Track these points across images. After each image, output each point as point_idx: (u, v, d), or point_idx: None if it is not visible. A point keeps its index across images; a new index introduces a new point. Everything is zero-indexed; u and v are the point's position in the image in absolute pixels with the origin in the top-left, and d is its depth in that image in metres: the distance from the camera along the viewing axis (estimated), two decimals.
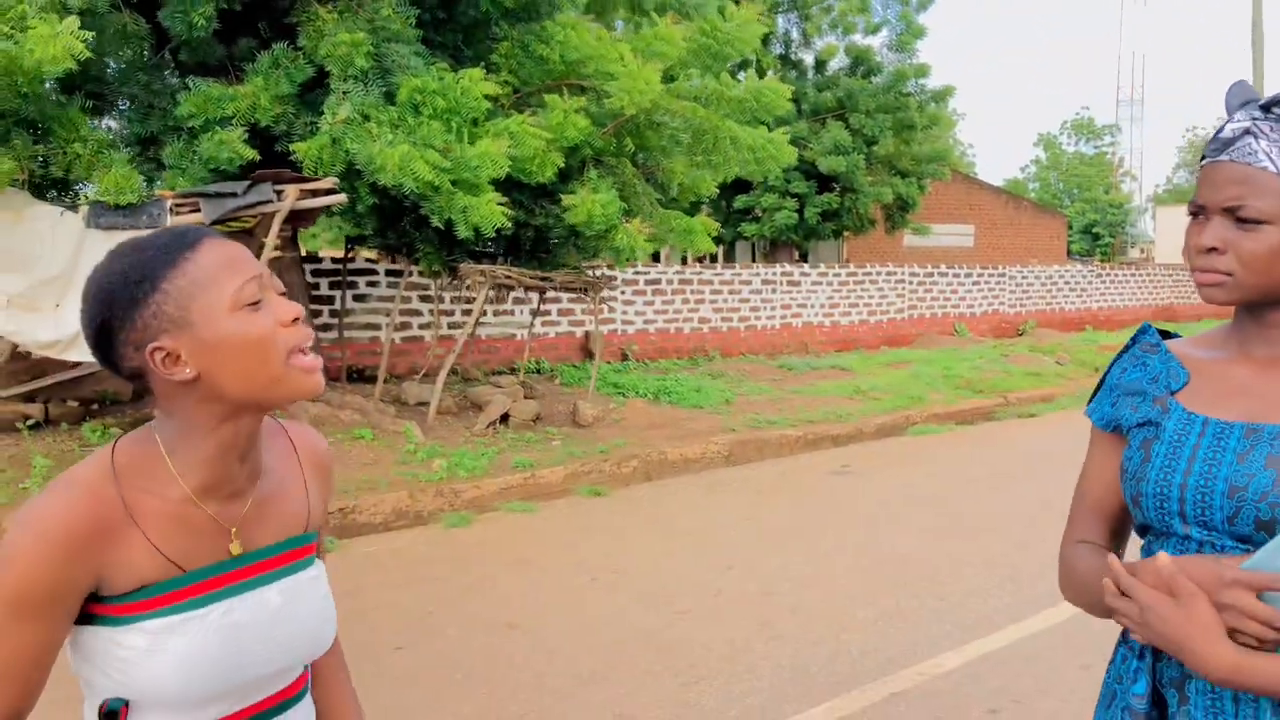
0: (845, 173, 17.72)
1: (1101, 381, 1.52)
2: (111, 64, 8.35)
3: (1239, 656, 1.13)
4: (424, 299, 11.61)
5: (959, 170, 32.68)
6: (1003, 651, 4.21)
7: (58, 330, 6.71)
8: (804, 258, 21.19)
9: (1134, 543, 1.49)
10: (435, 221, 7.73)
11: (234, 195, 6.94)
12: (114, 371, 1.16)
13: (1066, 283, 21.12)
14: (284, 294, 1.19)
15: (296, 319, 1.16)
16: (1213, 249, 1.25)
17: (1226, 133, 1.25)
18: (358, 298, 11.20)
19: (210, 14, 7.33)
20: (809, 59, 20.85)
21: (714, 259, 24.32)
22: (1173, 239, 50.39)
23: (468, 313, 11.65)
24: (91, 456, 1.16)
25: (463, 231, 7.66)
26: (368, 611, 4.89)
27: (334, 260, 11.30)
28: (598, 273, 10.24)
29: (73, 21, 5.97)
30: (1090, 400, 1.53)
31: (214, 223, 6.95)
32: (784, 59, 20.06)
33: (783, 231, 18.76)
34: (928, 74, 19.04)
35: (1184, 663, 1.17)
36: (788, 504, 7.23)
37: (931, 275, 18.24)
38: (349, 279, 10.96)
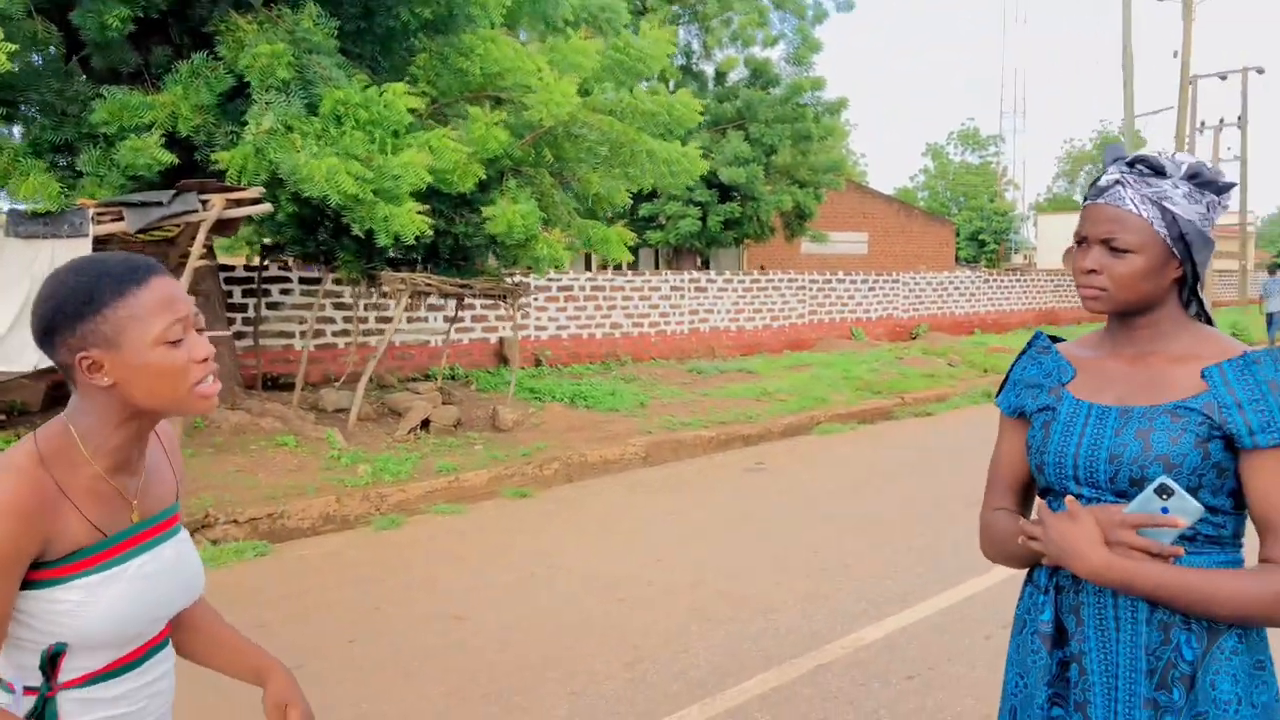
0: (745, 182, 18.28)
1: (1006, 378, 1.88)
2: (18, 69, 8.25)
3: (1110, 557, 1.51)
4: (337, 306, 11.66)
5: (853, 180, 33.76)
6: (915, 625, 4.63)
7: None
8: (705, 264, 21.70)
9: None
10: (356, 230, 7.86)
11: (159, 204, 6.97)
12: (47, 354, 1.39)
13: (956, 288, 22.11)
14: (203, 330, 1.45)
15: (206, 359, 1.41)
16: (1092, 270, 1.62)
17: (1103, 182, 1.62)
18: (271, 305, 11.19)
19: (125, 16, 7.31)
20: (710, 70, 21.42)
21: (619, 266, 24.71)
22: (1053, 245, 52.78)
23: (382, 320, 11.76)
24: (17, 445, 1.39)
25: (383, 240, 7.80)
26: (311, 612, 5.05)
27: (247, 268, 11.27)
28: (515, 280, 10.47)
29: None
30: (998, 394, 1.90)
31: (139, 231, 6.98)
32: (685, 70, 20.56)
33: (686, 239, 19.22)
34: (823, 86, 19.76)
35: (1072, 567, 1.53)
36: (707, 500, 7.59)
37: (830, 281, 18.93)
38: (262, 287, 10.95)
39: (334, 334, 11.67)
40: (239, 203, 7.31)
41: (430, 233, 7.92)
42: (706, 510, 7.22)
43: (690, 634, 4.54)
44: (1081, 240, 1.64)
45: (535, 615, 4.87)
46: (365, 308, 11.87)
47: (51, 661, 1.40)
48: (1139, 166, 1.59)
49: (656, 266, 23.64)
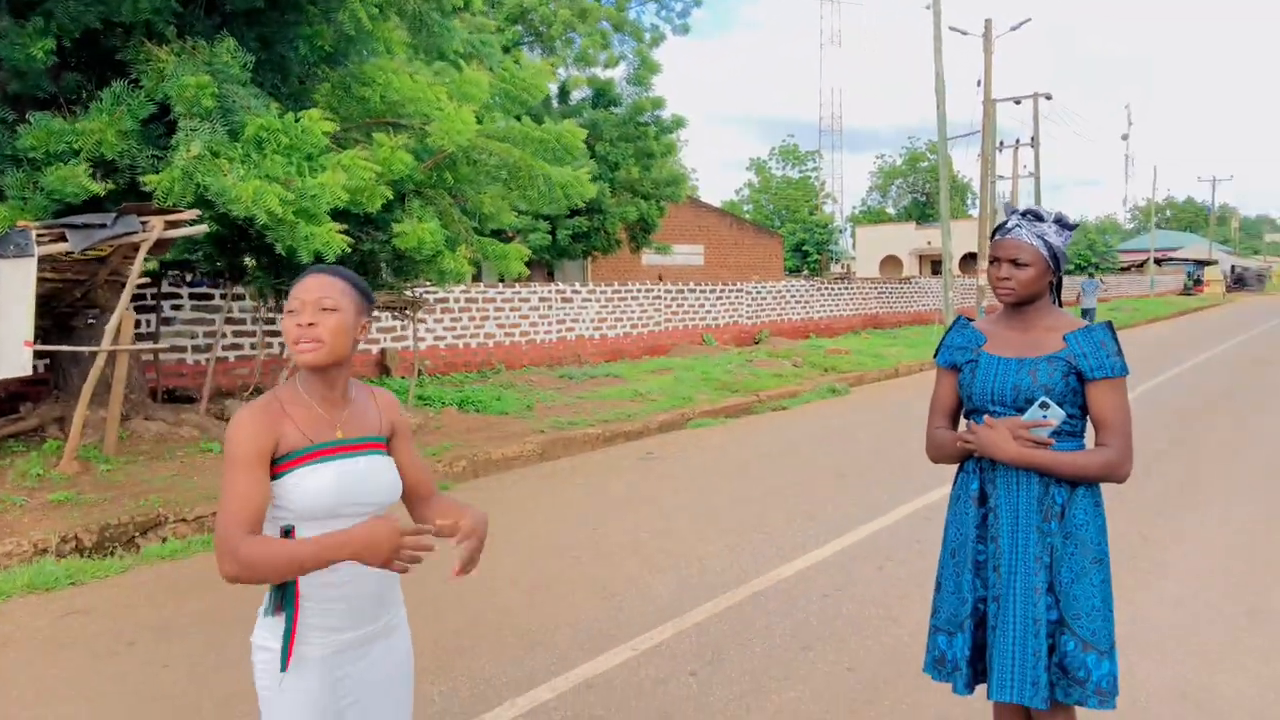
0: (593, 197, 19.26)
1: (941, 343, 2.97)
2: None
3: (1017, 448, 2.60)
4: (228, 321, 12.01)
5: (689, 194, 35.36)
6: (820, 563, 5.77)
7: None
8: (551, 276, 22.54)
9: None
10: (280, 249, 8.43)
11: (103, 226, 7.41)
12: None
13: (793, 296, 23.86)
14: (327, 309, 2.11)
15: (300, 325, 2.14)
16: (1006, 278, 2.71)
17: (1008, 225, 2.73)
18: (164, 321, 11.47)
19: (50, 47, 7.72)
20: (554, 89, 22.36)
21: (474, 279, 25.23)
22: (870, 255, 56.37)
23: (270, 334, 12.19)
24: (268, 391, 2.21)
25: (305, 257, 8.39)
26: None
27: (138, 287, 11.49)
28: (418, 293, 11.17)
29: None
30: (935, 354, 2.98)
31: (83, 251, 7.40)
32: None
33: (537, 252, 20.00)
34: (663, 106, 20.92)
35: (994, 456, 2.62)
36: (616, 482, 8.57)
37: (683, 291, 20.23)
38: (159, 304, 11.23)
39: (225, 348, 12.01)
40: (175, 224, 7.80)
41: (351, 247, 8.55)
42: (618, 490, 8.20)
43: (642, 579, 5.54)
44: (995, 260, 2.73)
45: (502, 572, 5.73)
46: (252, 321, 12.27)
47: (285, 536, 2.07)
48: (1028, 215, 2.71)
49: (500, 280, 24.41)
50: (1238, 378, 16.16)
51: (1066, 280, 41.93)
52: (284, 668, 2.06)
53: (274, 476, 2.08)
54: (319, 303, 2.11)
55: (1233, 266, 72.40)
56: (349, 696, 2.16)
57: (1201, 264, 65.94)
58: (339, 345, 2.13)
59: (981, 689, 2.78)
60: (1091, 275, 35.21)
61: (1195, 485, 7.87)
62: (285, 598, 2.09)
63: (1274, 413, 11.90)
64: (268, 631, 2.13)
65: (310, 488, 2.07)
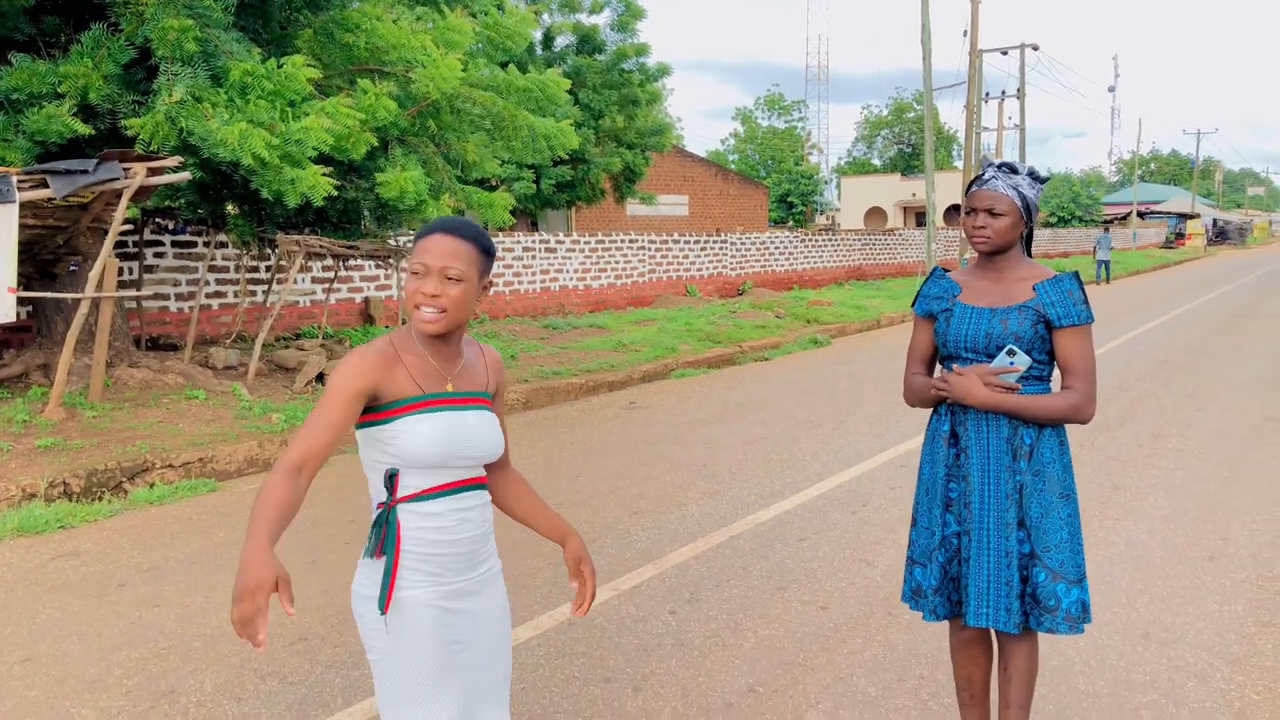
0: (578, 146, 19.07)
1: (918, 293, 3.05)
2: None
3: (987, 393, 2.70)
4: (211, 269, 11.99)
5: (674, 144, 35.18)
6: (796, 509, 5.91)
7: None
8: (534, 226, 22.41)
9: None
10: (266, 194, 8.41)
11: (84, 172, 7.37)
12: None
13: (777, 248, 23.89)
14: (452, 279, 2.11)
15: (424, 293, 2.16)
16: (982, 227, 2.78)
17: (985, 176, 2.80)
18: (146, 269, 11.43)
19: None
20: (538, 35, 22.08)
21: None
22: (855, 207, 56.31)
23: (254, 282, 12.18)
24: (384, 335, 2.25)
25: (292, 201, 8.36)
26: (302, 525, 5.83)
27: (121, 234, 11.43)
28: (403, 242, 11.17)
29: None
30: (913, 304, 3.06)
31: (65, 197, 7.37)
32: None
33: (521, 201, 19.85)
34: (647, 53, 20.56)
35: (967, 401, 2.72)
36: (599, 431, 8.68)
37: (666, 243, 20.23)
38: (141, 250, 11.20)
39: (208, 296, 12.00)
40: (158, 171, 7.77)
41: (335, 193, 8.54)
42: (600, 439, 8.31)
43: (626, 522, 5.66)
44: (971, 210, 2.81)
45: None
46: (235, 269, 12.25)
47: (389, 481, 2.12)
48: (1004, 168, 2.78)
49: (485, 228, 24.29)
50: (1212, 330, 16.36)
51: (1081, 233, 44.21)
52: (383, 609, 2.08)
53: (383, 421, 2.10)
54: (444, 271, 2.11)
55: (1215, 220, 72.73)
56: (458, 643, 2.18)
57: (1184, 217, 66.21)
58: (461, 315, 2.15)
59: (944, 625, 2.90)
60: (1107, 230, 41.50)
61: (1166, 435, 8.04)
62: (387, 541, 2.11)
63: (1246, 363, 12.09)
64: (366, 577, 2.15)
65: (419, 435, 2.08)
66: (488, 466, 2.35)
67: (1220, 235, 71.42)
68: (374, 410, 2.11)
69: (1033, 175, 2.81)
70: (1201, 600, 4.50)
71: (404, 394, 2.12)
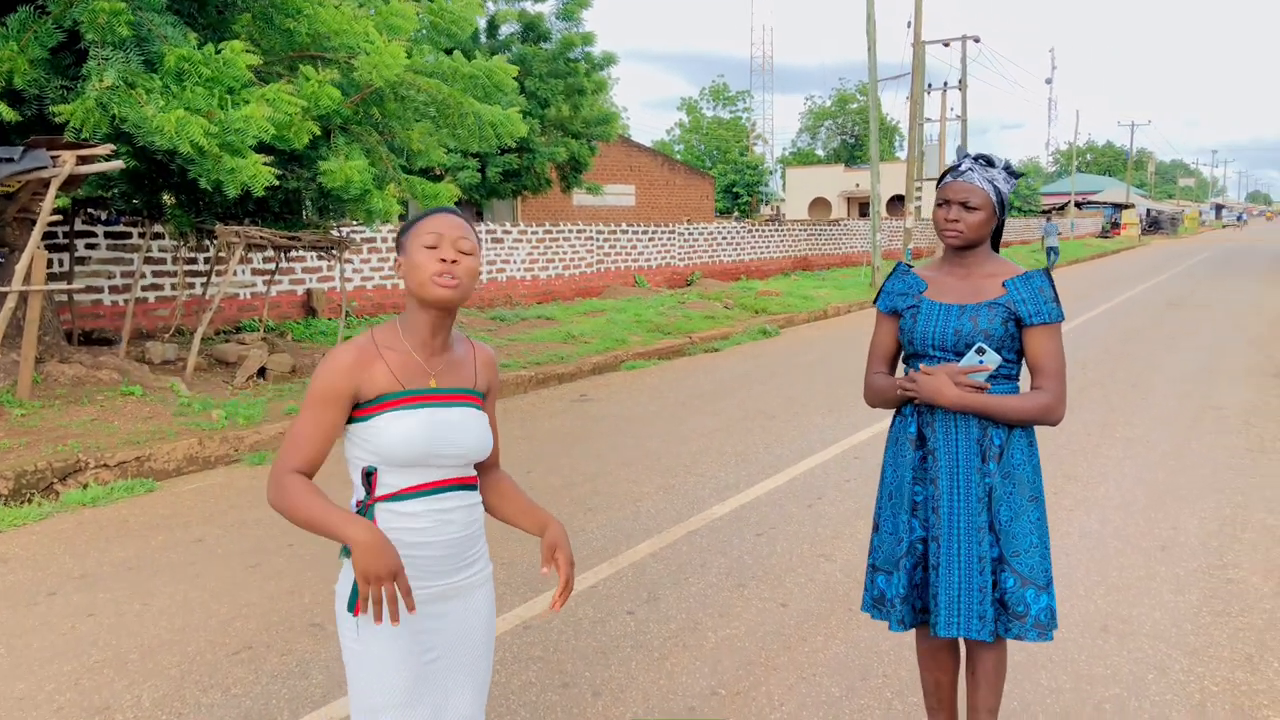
0: (523, 136, 18.85)
1: (881, 289, 2.98)
2: None
3: (957, 392, 2.63)
4: (147, 261, 11.62)
5: (620, 134, 35.00)
6: (752, 502, 5.84)
7: None
8: (480, 216, 22.13)
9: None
10: (204, 184, 8.14)
11: (9, 161, 7.07)
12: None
13: (724, 238, 23.87)
14: (464, 252, 2.15)
15: (444, 260, 2.12)
16: (955, 220, 2.71)
17: (961, 168, 2.72)
18: (78, 260, 11.05)
19: None
20: (482, 23, 21.78)
21: (401, 219, 24.72)
22: (799, 197, 56.63)
23: (191, 274, 11.84)
24: (365, 330, 2.19)
25: (232, 191, 8.10)
26: (239, 527, 5.63)
27: (50, 225, 11.03)
28: (345, 233, 10.91)
29: None
30: (876, 300, 2.99)
31: None
32: None
33: (466, 191, 19.57)
34: (593, 42, 20.41)
35: (936, 401, 2.65)
36: (550, 424, 8.55)
37: (615, 233, 20.09)
38: (72, 242, 10.81)
39: (144, 288, 11.63)
40: (88, 159, 7.47)
41: (277, 183, 8.29)
42: (551, 432, 8.19)
43: (580, 519, 5.55)
44: (944, 202, 2.73)
45: None
46: (172, 261, 11.89)
47: (367, 479, 2.08)
48: (980, 160, 2.71)
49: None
50: (1150, 319, 16.66)
51: (1025, 223, 45.03)
52: (352, 610, 2.02)
53: (363, 418, 2.07)
54: (457, 243, 2.10)
55: (1149, 210, 74.29)
56: (433, 651, 2.13)
57: (1119, 207, 67.54)
58: (469, 288, 2.13)
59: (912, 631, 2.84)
60: (1050, 218, 40.36)
61: (1114, 424, 8.13)
62: None
63: (1184, 352, 12.31)
64: (345, 575, 2.10)
65: (397, 432, 2.03)
66: (476, 466, 2.29)
67: (1153, 225, 73.00)
68: (357, 407, 2.10)
69: (1008, 169, 2.74)
70: (1157, 590, 4.52)
71: (383, 390, 2.08)
